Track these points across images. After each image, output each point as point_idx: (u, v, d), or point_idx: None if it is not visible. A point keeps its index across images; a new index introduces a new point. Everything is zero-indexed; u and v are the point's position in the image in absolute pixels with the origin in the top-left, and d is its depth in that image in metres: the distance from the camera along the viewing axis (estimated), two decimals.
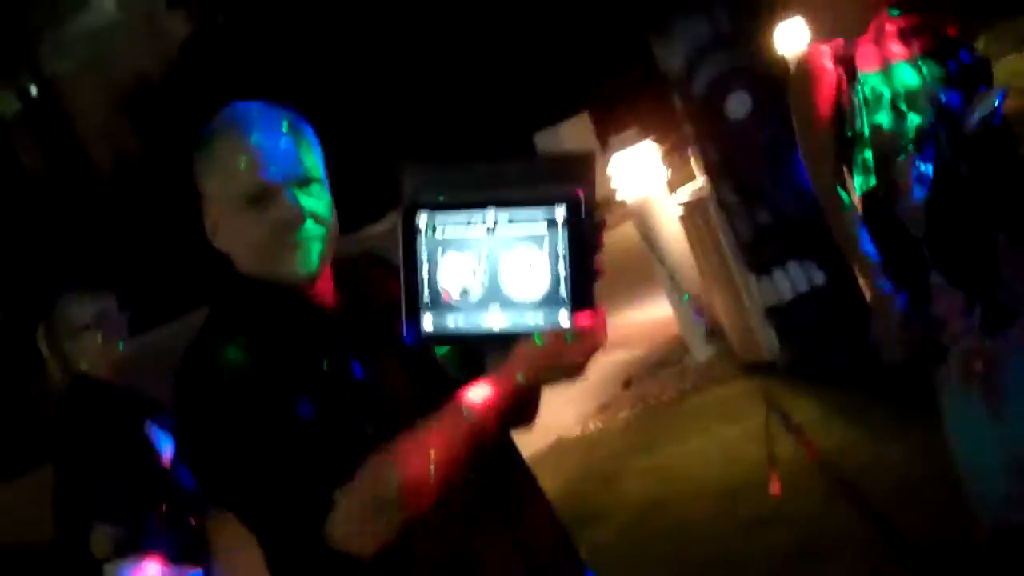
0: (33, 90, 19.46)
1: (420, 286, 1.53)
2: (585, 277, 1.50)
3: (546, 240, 1.49)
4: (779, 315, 5.24)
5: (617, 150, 6.08)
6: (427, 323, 1.53)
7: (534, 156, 1.66)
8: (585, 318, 1.49)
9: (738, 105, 5.00)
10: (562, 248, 1.49)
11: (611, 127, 8.67)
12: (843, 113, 2.66)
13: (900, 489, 3.79)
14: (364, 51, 14.91)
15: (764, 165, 4.99)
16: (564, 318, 1.50)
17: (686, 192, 6.10)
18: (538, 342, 1.50)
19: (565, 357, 1.52)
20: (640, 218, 6.16)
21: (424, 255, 1.53)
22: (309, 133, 1.73)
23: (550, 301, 1.50)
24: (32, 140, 19.01)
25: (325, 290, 1.72)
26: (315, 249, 1.68)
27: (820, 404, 4.77)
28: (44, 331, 3.31)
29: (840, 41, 2.67)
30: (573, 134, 11.05)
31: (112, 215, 16.16)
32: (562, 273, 1.49)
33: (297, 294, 1.68)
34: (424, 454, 1.53)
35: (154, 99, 17.36)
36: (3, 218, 15.99)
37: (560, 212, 1.49)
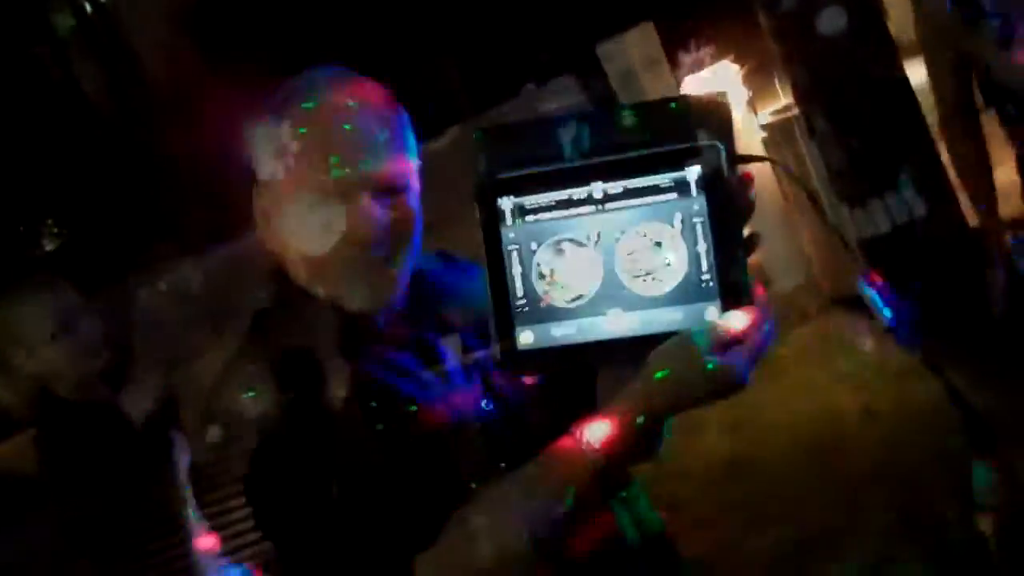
0: (88, 7, 19.28)
1: (511, 290, 1.16)
2: (736, 255, 1.12)
3: (678, 211, 1.12)
4: (874, 248, 4.84)
5: (692, 71, 5.66)
6: (524, 337, 1.16)
7: (641, 104, 1.20)
8: (742, 312, 1.10)
9: (832, 21, 4.53)
10: (701, 219, 1.12)
11: (679, 41, 8.19)
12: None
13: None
14: None
15: (861, 87, 4.55)
16: (713, 314, 1.12)
17: (768, 114, 5.68)
18: (679, 350, 1.11)
19: (717, 368, 1.10)
20: None
21: (513, 250, 1.16)
22: (406, 125, 1.31)
23: (691, 292, 1.12)
24: (89, 60, 18.90)
25: (393, 312, 1.35)
26: (386, 276, 1.30)
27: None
28: None
29: None
30: (639, 47, 10.49)
31: (165, 139, 16.01)
32: (703, 253, 1.12)
33: (355, 316, 1.31)
34: (533, 513, 1.14)
35: (214, 13, 17.04)
36: (65, 141, 15.99)
37: (694, 171, 1.12)
